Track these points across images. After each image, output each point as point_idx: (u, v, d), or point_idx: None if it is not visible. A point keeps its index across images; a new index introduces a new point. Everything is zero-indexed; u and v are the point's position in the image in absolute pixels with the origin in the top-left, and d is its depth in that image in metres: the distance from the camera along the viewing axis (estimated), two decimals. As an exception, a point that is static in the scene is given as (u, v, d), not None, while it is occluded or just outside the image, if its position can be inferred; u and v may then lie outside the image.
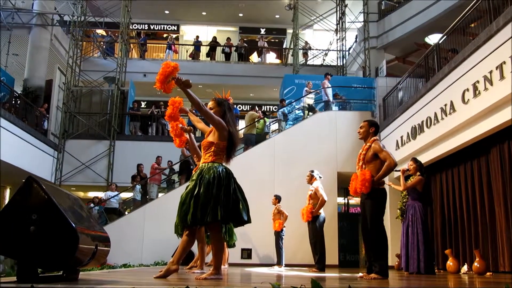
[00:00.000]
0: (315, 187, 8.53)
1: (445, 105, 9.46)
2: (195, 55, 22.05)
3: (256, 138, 14.58)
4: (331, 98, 14.79)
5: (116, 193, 13.98)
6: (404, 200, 7.90)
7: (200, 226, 4.89)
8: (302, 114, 15.45)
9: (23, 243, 2.98)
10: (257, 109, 16.30)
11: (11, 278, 3.27)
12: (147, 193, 14.26)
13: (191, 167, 14.07)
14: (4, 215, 3.04)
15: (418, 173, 7.67)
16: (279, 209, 10.77)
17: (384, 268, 5.16)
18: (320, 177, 8.83)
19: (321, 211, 8.48)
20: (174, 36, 24.59)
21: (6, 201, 15.59)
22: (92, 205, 14.04)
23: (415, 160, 7.93)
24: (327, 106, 14.60)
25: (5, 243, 3.01)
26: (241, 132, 14.57)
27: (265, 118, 15.80)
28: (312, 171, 8.91)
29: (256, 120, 14.81)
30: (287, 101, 15.73)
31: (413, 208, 7.49)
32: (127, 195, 15.33)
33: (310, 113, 14.99)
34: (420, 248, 7.31)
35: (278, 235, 10.73)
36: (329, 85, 14.99)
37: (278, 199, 10.93)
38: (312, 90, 15.31)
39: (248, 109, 23.85)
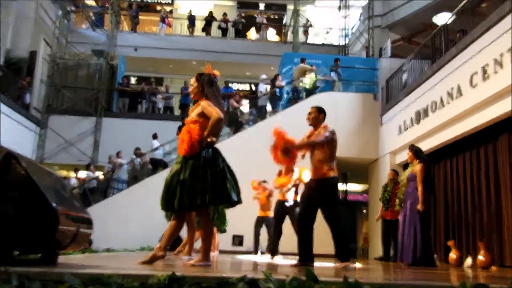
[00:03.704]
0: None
1: (452, 88, 9.41)
2: (190, 30, 21.88)
3: (306, 93, 14.46)
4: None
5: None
6: (403, 188, 7.85)
7: (189, 211, 4.85)
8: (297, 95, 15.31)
9: (-3, 222, 2.92)
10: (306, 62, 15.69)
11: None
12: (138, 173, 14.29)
13: (239, 119, 14.47)
14: (-22, 192, 2.98)
15: (417, 161, 7.59)
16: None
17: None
18: None
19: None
20: (168, 9, 24.33)
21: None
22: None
23: (411, 147, 7.87)
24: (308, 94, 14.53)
25: (-22, 222, 2.96)
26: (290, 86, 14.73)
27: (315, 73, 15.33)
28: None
29: (307, 73, 14.62)
30: (285, 82, 15.60)
31: (413, 197, 7.44)
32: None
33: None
34: (417, 238, 7.28)
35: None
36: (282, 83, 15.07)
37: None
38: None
39: (243, 88, 23.77)
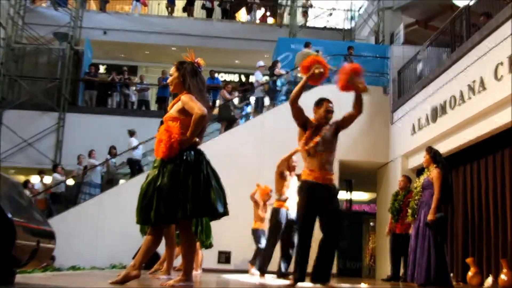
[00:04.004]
0: None
1: (474, 81, 9.50)
2: (169, 10, 21.90)
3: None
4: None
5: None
6: (417, 197, 7.94)
7: (168, 224, 4.89)
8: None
9: None
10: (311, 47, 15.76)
11: None
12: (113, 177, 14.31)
13: (232, 113, 14.35)
14: None
15: (434, 165, 7.68)
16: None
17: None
18: None
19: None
20: (142, -15, 24.33)
21: None
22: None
23: (428, 149, 7.96)
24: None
25: None
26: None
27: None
28: None
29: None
30: (283, 71, 15.62)
31: (428, 207, 7.53)
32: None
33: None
34: (431, 255, 7.37)
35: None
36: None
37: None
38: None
39: (232, 79, 23.78)
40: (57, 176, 14.12)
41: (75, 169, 14.83)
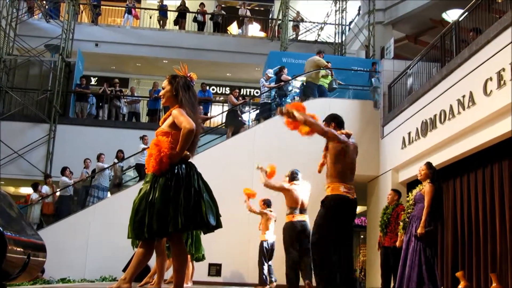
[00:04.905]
0: None
1: (463, 96, 9.56)
2: (161, 23, 21.94)
3: (321, 90, 14.43)
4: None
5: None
6: (409, 210, 8.00)
7: (160, 238, 4.88)
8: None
9: None
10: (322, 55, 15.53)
11: None
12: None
13: (239, 118, 14.47)
14: None
15: (428, 180, 7.76)
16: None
17: None
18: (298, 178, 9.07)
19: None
20: (135, -3, 24.39)
21: None
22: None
23: (429, 165, 8.03)
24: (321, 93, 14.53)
25: None
26: (301, 79, 14.76)
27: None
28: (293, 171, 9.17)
29: (321, 69, 14.60)
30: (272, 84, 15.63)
31: (419, 220, 7.59)
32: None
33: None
34: (422, 268, 7.41)
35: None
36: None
37: (267, 204, 10.91)
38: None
39: (223, 91, 23.82)
40: (65, 179, 14.10)
41: (84, 172, 14.82)
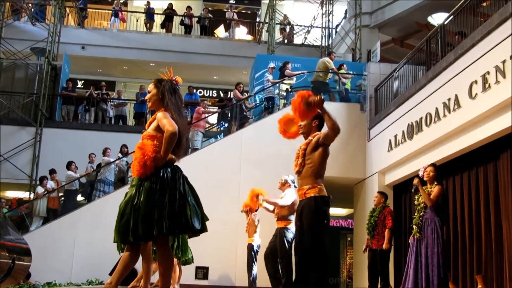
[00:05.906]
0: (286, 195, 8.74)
1: (449, 99, 9.62)
2: (148, 26, 21.90)
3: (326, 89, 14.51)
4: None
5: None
6: (421, 213, 8.08)
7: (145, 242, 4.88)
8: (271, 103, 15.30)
9: None
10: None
11: None
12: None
13: (244, 113, 14.76)
14: None
15: (435, 182, 7.90)
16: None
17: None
18: (295, 186, 8.98)
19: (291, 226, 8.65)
20: (122, 0, 24.31)
21: None
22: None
23: (434, 165, 8.14)
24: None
25: None
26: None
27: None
28: (287, 177, 9.04)
29: (330, 71, 14.67)
30: (257, 88, 15.64)
31: (433, 223, 7.70)
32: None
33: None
34: (433, 274, 7.56)
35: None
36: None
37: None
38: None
39: (210, 94, 23.83)
40: (71, 173, 14.16)
41: (89, 167, 14.88)
